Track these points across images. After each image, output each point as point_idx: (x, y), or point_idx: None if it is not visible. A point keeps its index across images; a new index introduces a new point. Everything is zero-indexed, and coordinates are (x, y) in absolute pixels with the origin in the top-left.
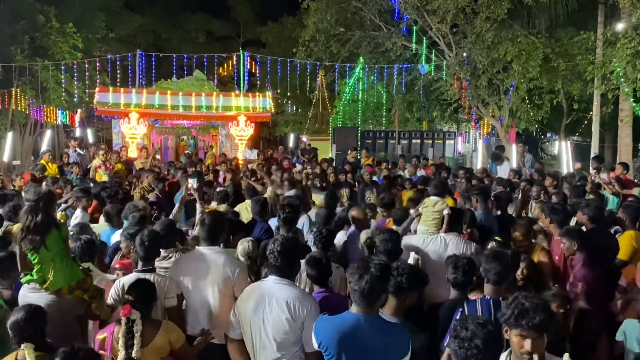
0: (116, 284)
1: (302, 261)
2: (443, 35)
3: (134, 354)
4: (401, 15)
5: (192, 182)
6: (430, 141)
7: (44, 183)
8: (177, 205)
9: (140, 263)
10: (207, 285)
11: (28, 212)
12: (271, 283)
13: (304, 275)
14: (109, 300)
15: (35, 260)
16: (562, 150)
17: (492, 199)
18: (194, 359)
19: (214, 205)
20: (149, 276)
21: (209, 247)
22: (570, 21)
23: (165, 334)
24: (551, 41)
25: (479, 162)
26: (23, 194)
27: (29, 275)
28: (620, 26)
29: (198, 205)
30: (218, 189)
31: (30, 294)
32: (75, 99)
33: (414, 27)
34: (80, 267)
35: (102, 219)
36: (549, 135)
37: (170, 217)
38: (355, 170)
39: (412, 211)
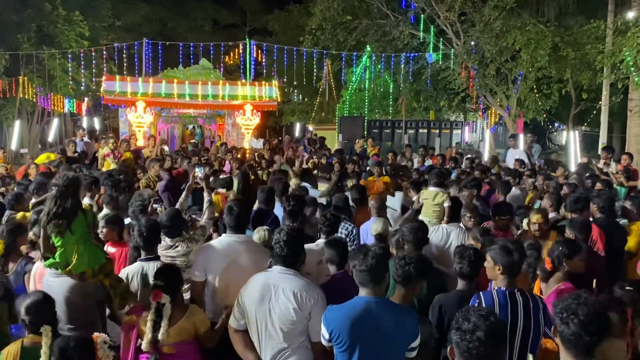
0: (121, 273)
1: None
2: (451, 24)
3: (160, 336)
4: (409, 4)
5: (199, 171)
6: (437, 131)
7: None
8: (183, 193)
9: (142, 252)
10: (236, 273)
11: (57, 196)
12: (277, 273)
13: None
14: None
15: (59, 244)
16: (571, 141)
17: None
18: (217, 338)
19: (222, 191)
20: (152, 264)
21: (235, 234)
22: (580, 9)
23: (192, 317)
24: (560, 30)
25: (485, 152)
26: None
27: (51, 258)
28: (630, 15)
29: (205, 194)
30: (222, 176)
31: (53, 279)
32: (82, 87)
33: (422, 16)
34: (105, 255)
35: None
36: (556, 125)
37: (177, 205)
38: (362, 159)
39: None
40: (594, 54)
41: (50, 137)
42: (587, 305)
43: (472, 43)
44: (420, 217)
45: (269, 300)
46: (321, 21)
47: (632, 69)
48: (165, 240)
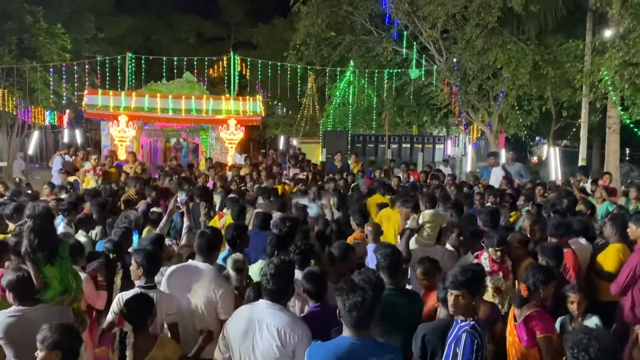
0: (118, 298)
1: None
2: (433, 41)
3: None
4: (392, 20)
5: (181, 196)
6: (420, 145)
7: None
8: (164, 217)
9: (143, 279)
10: (195, 302)
11: (34, 229)
12: (263, 307)
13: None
14: (110, 314)
15: (53, 272)
16: (551, 156)
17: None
18: None
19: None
20: (151, 293)
21: (202, 262)
22: (560, 28)
23: (161, 349)
24: (540, 48)
25: (468, 167)
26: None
27: (49, 289)
28: (608, 33)
29: (185, 219)
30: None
31: (36, 313)
32: (63, 102)
33: (405, 32)
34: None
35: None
36: (537, 139)
37: (157, 230)
38: (347, 175)
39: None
40: (573, 73)
41: (30, 149)
42: (599, 341)
43: (454, 60)
44: (421, 238)
45: (253, 335)
46: (305, 37)
47: (610, 88)
48: None
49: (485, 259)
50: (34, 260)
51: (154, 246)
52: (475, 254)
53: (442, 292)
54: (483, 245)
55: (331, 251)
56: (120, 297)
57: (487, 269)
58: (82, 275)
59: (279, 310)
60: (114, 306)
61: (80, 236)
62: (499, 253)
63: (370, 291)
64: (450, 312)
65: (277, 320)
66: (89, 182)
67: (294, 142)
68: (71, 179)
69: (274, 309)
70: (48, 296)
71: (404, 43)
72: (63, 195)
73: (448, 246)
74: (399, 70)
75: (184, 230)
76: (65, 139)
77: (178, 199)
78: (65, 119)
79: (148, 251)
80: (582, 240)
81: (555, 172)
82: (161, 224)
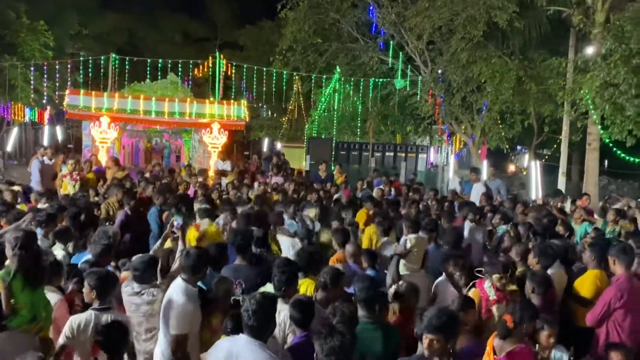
0: (71, 322)
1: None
2: (419, 52)
3: None
4: (378, 30)
5: (177, 221)
6: (404, 154)
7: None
8: (159, 242)
9: (96, 301)
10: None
11: (25, 252)
12: (243, 342)
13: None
14: (61, 338)
15: (26, 299)
16: (532, 170)
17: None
18: None
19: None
20: (106, 315)
21: (184, 280)
22: (543, 43)
23: None
24: (524, 63)
25: (450, 177)
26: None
27: (18, 316)
28: (590, 51)
29: (180, 243)
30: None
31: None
32: (44, 101)
33: (391, 42)
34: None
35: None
36: (519, 148)
37: (151, 252)
38: (326, 185)
39: (396, 248)
40: (556, 89)
41: (9, 146)
42: None
43: (439, 72)
44: (409, 263)
45: None
46: (292, 42)
47: (591, 106)
48: (133, 286)
49: (489, 287)
50: (6, 287)
51: (144, 267)
52: (473, 282)
53: (419, 329)
54: (483, 275)
55: (321, 278)
56: (72, 321)
57: (492, 297)
58: (57, 297)
59: (259, 348)
60: (66, 330)
61: (58, 249)
62: (503, 280)
63: (348, 335)
64: (425, 354)
65: (255, 357)
66: (66, 187)
67: (278, 145)
68: (16, 188)
69: (253, 345)
70: (15, 323)
71: (390, 53)
72: (41, 205)
73: (443, 277)
74: (385, 79)
75: (177, 254)
76: (46, 136)
77: (174, 224)
78: (46, 115)
79: (100, 273)
80: (558, 264)
81: (535, 186)
82: (155, 247)
